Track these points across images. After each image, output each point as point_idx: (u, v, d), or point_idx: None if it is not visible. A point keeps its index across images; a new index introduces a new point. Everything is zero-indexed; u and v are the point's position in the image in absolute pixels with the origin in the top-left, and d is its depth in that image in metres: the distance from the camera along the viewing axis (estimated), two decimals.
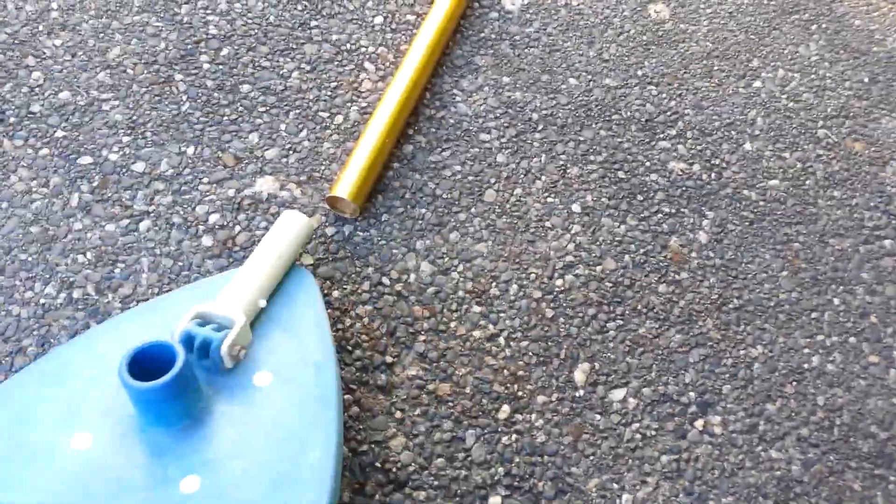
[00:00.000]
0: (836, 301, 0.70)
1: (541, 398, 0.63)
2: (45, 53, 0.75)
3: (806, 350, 0.68)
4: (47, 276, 0.64)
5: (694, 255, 0.72)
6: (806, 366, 0.67)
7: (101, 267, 0.65)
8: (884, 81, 0.85)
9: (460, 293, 0.68)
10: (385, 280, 0.68)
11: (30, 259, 0.65)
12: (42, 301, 0.63)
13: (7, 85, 0.73)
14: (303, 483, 0.51)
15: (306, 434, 0.53)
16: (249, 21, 0.79)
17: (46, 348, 0.61)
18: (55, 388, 0.54)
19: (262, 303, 0.57)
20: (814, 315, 0.69)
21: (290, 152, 0.73)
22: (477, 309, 0.67)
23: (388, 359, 0.64)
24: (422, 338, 0.65)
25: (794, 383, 0.66)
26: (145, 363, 0.50)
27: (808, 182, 0.77)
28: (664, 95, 0.81)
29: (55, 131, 0.71)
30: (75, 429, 0.52)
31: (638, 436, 0.62)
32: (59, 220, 0.67)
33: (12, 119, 0.71)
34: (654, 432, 0.63)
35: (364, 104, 0.77)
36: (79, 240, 0.66)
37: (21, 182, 0.68)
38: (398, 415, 0.61)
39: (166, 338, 0.52)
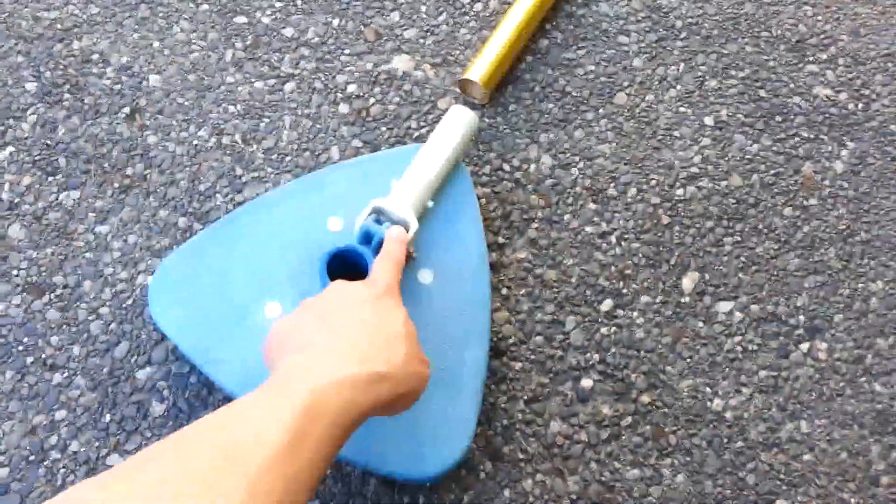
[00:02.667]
0: None
1: (645, 298, 0.64)
2: None
3: None
4: (201, 120, 0.69)
5: (827, 182, 0.69)
6: None
7: (249, 119, 0.70)
8: None
9: (577, 189, 0.69)
10: (506, 167, 0.69)
11: (186, 103, 0.70)
12: (195, 142, 0.68)
13: None
14: (460, 381, 0.56)
15: (464, 335, 0.58)
16: None
17: (195, 184, 0.67)
18: (243, 251, 0.59)
19: (430, 203, 0.60)
20: None
21: (428, 34, 0.75)
22: (592, 206, 0.68)
23: (500, 239, 0.66)
24: (535, 225, 0.67)
25: None
26: (335, 259, 0.56)
27: None
28: (820, 18, 0.77)
29: None
30: (267, 297, 0.57)
31: (739, 348, 0.63)
32: (214, 71, 0.72)
33: None
34: (755, 347, 0.63)
35: None
36: (230, 92, 0.71)
37: (182, 33, 0.73)
38: (504, 291, 0.64)
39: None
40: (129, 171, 0.67)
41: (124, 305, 0.62)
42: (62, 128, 0.68)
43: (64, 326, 0.61)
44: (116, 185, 0.66)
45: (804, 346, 0.63)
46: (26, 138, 0.68)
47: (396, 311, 0.47)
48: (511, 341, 0.62)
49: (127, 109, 0.69)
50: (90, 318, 0.61)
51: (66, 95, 0.70)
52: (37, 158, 0.67)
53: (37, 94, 0.70)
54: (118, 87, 0.70)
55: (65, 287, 0.62)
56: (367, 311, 0.46)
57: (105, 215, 0.65)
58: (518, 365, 0.61)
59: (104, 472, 0.33)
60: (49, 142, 0.68)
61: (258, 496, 0.32)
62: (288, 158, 0.68)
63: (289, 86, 0.72)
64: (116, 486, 0.32)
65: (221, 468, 0.33)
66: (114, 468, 0.33)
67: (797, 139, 0.71)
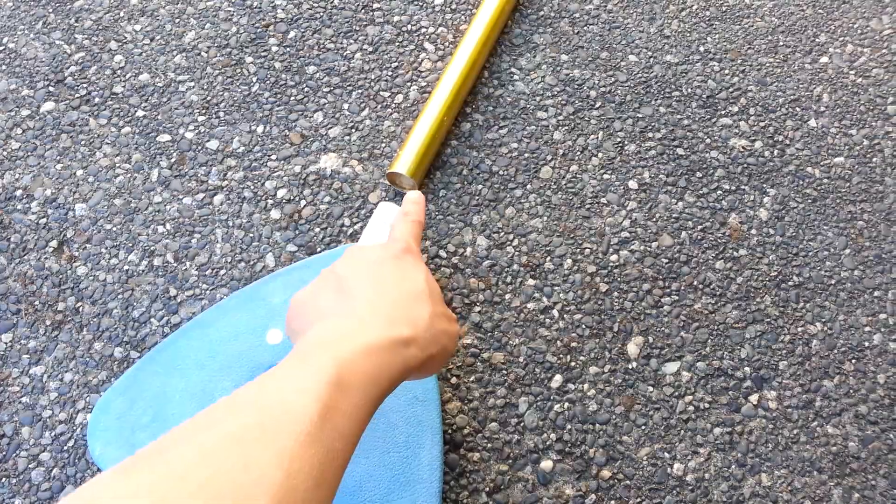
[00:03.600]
0: None
1: (593, 369, 0.65)
2: (126, 38, 0.80)
3: (867, 328, 0.66)
4: (130, 244, 0.69)
5: (753, 231, 0.71)
6: (867, 343, 0.66)
7: (179, 237, 0.69)
8: None
9: (515, 267, 0.69)
10: (442, 253, 0.70)
11: (114, 229, 0.70)
12: (126, 268, 0.68)
13: (92, 68, 0.78)
14: (419, 483, 0.55)
15: (418, 435, 0.57)
16: (315, 4, 0.82)
17: (129, 311, 0.66)
18: (182, 377, 0.58)
19: None
20: (876, 293, 0.68)
21: (353, 130, 0.76)
22: (531, 282, 0.69)
23: (460, 325, 0.66)
24: (477, 309, 0.67)
25: (854, 360, 0.65)
26: None
27: (875, 159, 0.75)
28: (727, 72, 0.80)
29: (136, 111, 0.76)
30: None
31: (691, 408, 0.63)
32: (141, 193, 0.71)
33: (97, 99, 0.76)
34: (707, 405, 0.63)
35: (424, 83, 0.79)
36: (159, 212, 0.71)
37: (106, 158, 0.73)
38: (453, 380, 0.64)
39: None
40: (60, 306, 0.66)
41: (65, 448, 0.60)
42: None
43: (3, 480, 0.59)
44: (48, 322, 0.65)
45: (754, 398, 0.63)
46: None
47: (416, 270, 0.45)
48: (466, 431, 0.62)
49: (55, 243, 0.69)
50: (31, 466, 0.59)
51: None
52: None
53: None
54: (44, 220, 0.70)
55: (2, 437, 0.60)
56: (386, 272, 0.44)
57: (39, 355, 0.64)
58: (476, 455, 0.61)
59: (126, 459, 0.30)
60: None
61: (293, 474, 0.30)
62: (222, 272, 0.68)
63: (218, 198, 0.72)
64: (139, 471, 0.29)
65: (252, 448, 0.30)
66: (137, 452, 0.30)
67: (719, 192, 0.73)
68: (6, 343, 0.64)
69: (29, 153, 0.73)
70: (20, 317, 0.65)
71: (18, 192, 0.71)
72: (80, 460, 0.60)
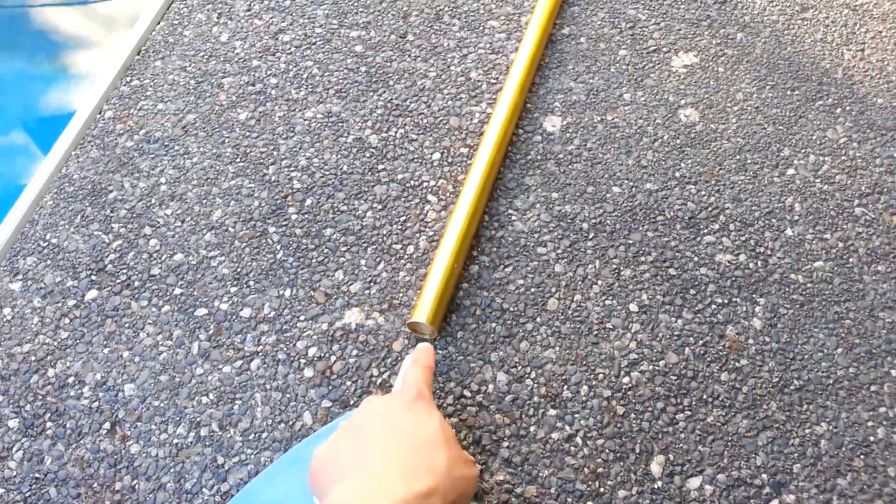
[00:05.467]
0: (893, 373, 0.74)
1: (622, 493, 0.69)
2: (158, 222, 0.88)
3: (870, 423, 0.71)
4: (178, 418, 0.74)
5: (751, 341, 0.77)
6: (872, 438, 0.70)
7: (222, 405, 0.75)
8: None
9: (536, 398, 0.74)
10: (466, 392, 0.75)
11: (162, 405, 0.75)
12: (175, 441, 0.73)
13: (130, 254, 0.86)
14: None
15: None
16: (326, 172, 0.91)
17: (182, 484, 0.70)
18: None
19: None
20: (873, 388, 0.73)
21: (372, 284, 0.83)
22: (552, 412, 0.73)
23: (478, 467, 0.70)
24: (505, 444, 0.72)
25: (863, 456, 0.69)
26: None
27: (851, 260, 0.82)
28: (703, 193, 0.88)
29: (174, 289, 0.83)
30: None
31: None
32: (184, 367, 0.77)
33: (137, 283, 0.83)
34: None
35: (431, 233, 0.86)
36: (201, 383, 0.76)
37: (149, 337, 0.80)
38: None
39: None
40: (117, 485, 0.70)
41: None
42: (48, 457, 0.72)
43: None
44: (108, 503, 0.69)
45: None
46: (14, 477, 0.71)
47: (430, 416, 0.46)
48: None
49: (107, 425, 0.74)
50: None
51: (49, 424, 0.74)
52: (27, 496, 0.70)
53: (19, 429, 0.74)
54: (96, 404, 0.75)
55: None
56: (400, 421, 0.45)
57: None
58: None
59: None
60: (38, 475, 0.71)
61: None
62: (265, 435, 0.73)
63: (254, 363, 0.78)
64: None
65: None
66: None
67: (714, 306, 0.79)
68: None
69: (77, 340, 0.80)
70: (80, 501, 0.70)
71: (70, 380, 0.77)
72: None
